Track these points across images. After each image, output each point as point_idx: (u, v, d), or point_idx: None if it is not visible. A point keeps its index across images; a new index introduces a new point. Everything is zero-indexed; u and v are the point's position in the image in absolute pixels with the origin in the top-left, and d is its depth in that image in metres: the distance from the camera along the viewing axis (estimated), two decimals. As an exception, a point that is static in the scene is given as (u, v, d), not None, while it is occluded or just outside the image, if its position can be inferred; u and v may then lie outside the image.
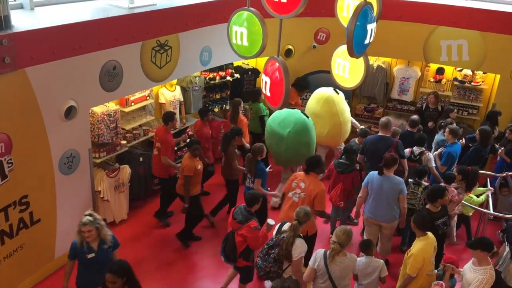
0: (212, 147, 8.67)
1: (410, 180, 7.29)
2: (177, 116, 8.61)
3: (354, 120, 9.34)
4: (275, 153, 8.20)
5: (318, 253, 5.26)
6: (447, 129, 7.88)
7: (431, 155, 7.73)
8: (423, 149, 7.74)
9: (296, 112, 8.03)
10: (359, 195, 6.91)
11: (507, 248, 5.63)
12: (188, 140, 8.13)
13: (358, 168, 7.60)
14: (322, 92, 8.76)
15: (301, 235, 5.51)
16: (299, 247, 5.36)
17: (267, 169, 7.32)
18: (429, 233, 5.57)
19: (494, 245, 5.21)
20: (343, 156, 7.40)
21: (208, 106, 9.46)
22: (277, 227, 5.75)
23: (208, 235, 7.82)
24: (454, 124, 8.22)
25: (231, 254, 5.84)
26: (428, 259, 5.42)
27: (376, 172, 6.70)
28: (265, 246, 5.65)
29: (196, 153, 7.11)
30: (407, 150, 7.66)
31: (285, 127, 7.84)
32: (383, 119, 7.80)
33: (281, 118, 7.97)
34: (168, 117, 7.56)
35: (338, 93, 8.69)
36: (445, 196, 6.14)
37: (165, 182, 7.80)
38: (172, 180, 7.62)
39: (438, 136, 8.48)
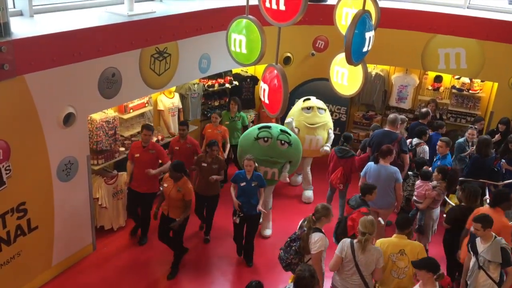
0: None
1: (409, 172, 7.67)
2: (176, 123, 8.64)
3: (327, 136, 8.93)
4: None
5: (345, 242, 5.44)
6: (439, 142, 7.78)
7: (426, 148, 8.03)
8: (421, 141, 8.13)
9: (268, 124, 7.99)
10: (359, 183, 7.12)
11: (473, 258, 5.61)
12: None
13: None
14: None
15: (322, 230, 5.60)
16: (318, 241, 5.46)
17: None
18: (404, 236, 5.56)
19: (439, 267, 4.95)
20: (344, 143, 8.03)
21: (206, 113, 9.47)
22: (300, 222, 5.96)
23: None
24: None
25: (341, 237, 5.95)
26: (387, 255, 5.44)
27: (373, 162, 7.24)
28: (288, 239, 5.87)
29: (175, 176, 6.60)
30: (407, 141, 8.12)
31: (274, 131, 7.78)
32: (391, 115, 8.17)
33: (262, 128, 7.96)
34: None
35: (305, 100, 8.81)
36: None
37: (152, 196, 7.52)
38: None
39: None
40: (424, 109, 8.99)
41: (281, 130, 7.77)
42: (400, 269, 5.46)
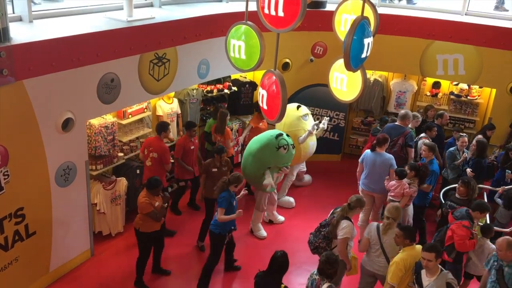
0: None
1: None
2: (175, 128, 8.65)
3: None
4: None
5: (372, 226, 6.01)
6: (423, 146, 7.81)
7: (426, 141, 8.25)
8: (423, 135, 8.59)
9: (274, 132, 7.97)
10: (357, 169, 7.98)
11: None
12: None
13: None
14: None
15: (351, 220, 5.97)
16: (346, 228, 5.84)
17: (241, 194, 7.05)
18: (417, 246, 5.57)
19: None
20: (379, 124, 9.06)
21: (205, 118, 9.47)
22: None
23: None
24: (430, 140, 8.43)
25: (441, 245, 5.99)
26: (409, 269, 5.39)
27: (369, 150, 7.85)
28: (318, 225, 6.26)
29: (157, 193, 6.47)
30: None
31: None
32: (402, 111, 8.65)
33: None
34: (162, 127, 7.55)
35: (298, 108, 8.71)
36: None
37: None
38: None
39: None
40: (441, 111, 9.22)
41: (287, 135, 7.90)
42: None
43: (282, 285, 5.19)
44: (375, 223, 6.03)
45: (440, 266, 5.19)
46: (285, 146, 7.67)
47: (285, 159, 7.78)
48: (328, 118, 9.04)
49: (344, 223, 5.90)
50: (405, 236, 5.52)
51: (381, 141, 7.69)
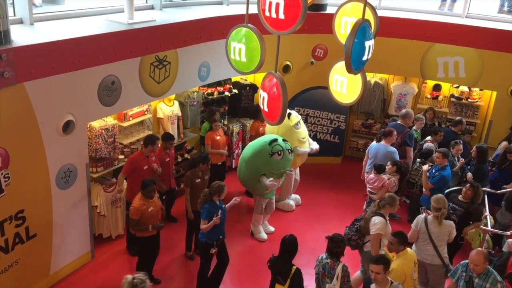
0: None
1: (418, 160, 8.38)
2: (176, 131, 8.65)
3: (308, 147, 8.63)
4: None
5: (419, 218, 6.33)
6: (436, 153, 7.83)
7: (430, 144, 8.58)
8: (428, 137, 8.84)
9: (269, 137, 7.82)
10: (364, 159, 8.53)
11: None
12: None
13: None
14: None
15: (385, 216, 6.16)
16: (378, 224, 6.03)
17: (229, 204, 6.72)
18: (408, 249, 5.64)
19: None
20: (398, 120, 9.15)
21: (205, 121, 9.47)
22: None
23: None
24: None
25: (500, 271, 5.76)
26: (409, 274, 5.40)
27: (375, 141, 8.34)
28: (354, 219, 6.56)
29: (151, 194, 6.39)
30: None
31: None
32: (403, 110, 9.08)
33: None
34: (149, 141, 7.19)
35: (289, 117, 8.18)
36: None
37: None
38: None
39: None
40: (458, 118, 9.33)
41: (283, 140, 7.75)
42: (415, 280, 5.54)
43: (294, 267, 5.43)
44: (423, 215, 6.38)
45: (389, 279, 4.95)
46: (279, 152, 7.51)
47: (281, 165, 7.62)
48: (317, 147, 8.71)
49: (376, 219, 6.08)
50: (400, 242, 5.57)
51: (387, 133, 8.14)
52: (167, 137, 7.77)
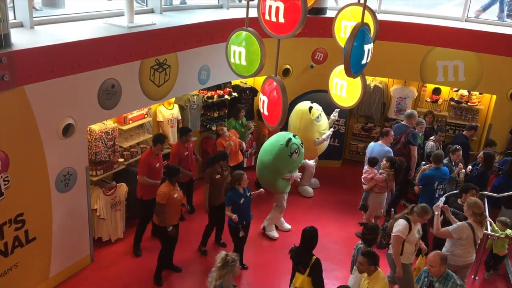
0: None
1: (423, 162, 8.44)
2: (175, 134, 8.65)
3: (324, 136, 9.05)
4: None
5: (464, 225, 6.21)
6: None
7: (431, 143, 8.83)
8: (432, 138, 9.01)
9: (283, 138, 7.93)
10: (365, 159, 8.53)
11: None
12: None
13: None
14: (299, 107, 9.07)
15: (412, 222, 6.17)
16: (399, 226, 6.13)
17: (256, 192, 7.39)
18: (379, 269, 5.30)
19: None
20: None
21: (205, 124, 9.48)
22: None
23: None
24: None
25: None
26: None
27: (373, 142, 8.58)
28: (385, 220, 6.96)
29: (179, 177, 6.86)
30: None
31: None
32: (408, 110, 9.26)
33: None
34: (159, 139, 7.39)
35: (310, 110, 8.79)
36: None
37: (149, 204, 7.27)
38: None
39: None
40: (472, 124, 9.40)
41: (294, 136, 7.96)
42: None
43: (314, 257, 5.65)
44: (466, 223, 6.23)
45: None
46: (296, 151, 7.78)
47: (298, 161, 8.00)
48: (338, 110, 9.03)
49: (400, 221, 6.15)
50: (370, 263, 5.23)
51: (384, 133, 8.43)
52: (185, 130, 8.01)
